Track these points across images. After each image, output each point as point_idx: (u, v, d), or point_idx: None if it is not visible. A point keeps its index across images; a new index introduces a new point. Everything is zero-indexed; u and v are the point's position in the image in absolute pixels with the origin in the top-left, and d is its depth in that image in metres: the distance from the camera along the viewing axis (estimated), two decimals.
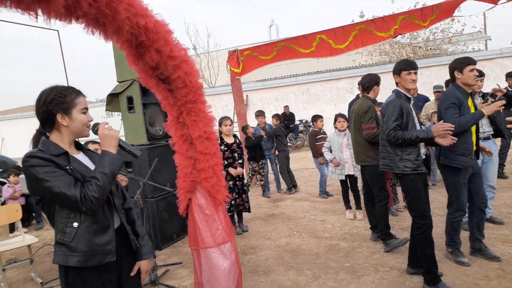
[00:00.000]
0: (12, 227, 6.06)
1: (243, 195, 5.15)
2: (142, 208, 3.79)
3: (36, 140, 1.75)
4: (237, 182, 5.09)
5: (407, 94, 3.26)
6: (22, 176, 5.20)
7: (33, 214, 6.60)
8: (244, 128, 6.84)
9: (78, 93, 1.78)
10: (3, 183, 6.97)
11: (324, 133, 6.56)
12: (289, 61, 21.04)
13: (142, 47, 2.21)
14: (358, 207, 5.25)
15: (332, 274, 3.56)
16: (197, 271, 2.98)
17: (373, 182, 4.17)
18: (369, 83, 4.24)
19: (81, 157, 1.80)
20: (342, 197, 5.44)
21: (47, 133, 1.76)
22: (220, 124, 5.07)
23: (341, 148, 5.33)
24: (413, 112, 3.24)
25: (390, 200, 5.10)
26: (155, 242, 4.56)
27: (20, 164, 7.57)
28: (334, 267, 3.71)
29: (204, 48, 24.03)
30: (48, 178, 1.57)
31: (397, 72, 3.27)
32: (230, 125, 5.12)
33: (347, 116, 5.58)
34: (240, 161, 5.18)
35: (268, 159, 7.21)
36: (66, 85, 1.79)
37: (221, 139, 5.01)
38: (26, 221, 6.49)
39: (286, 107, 13.69)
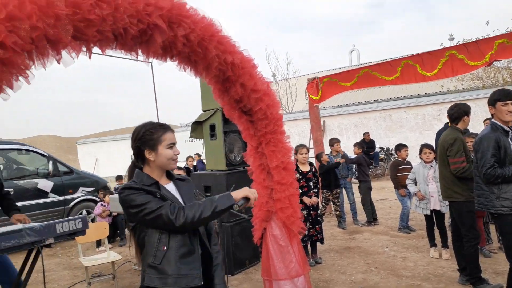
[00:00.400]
0: (98, 243, 6.61)
1: (317, 225, 5.05)
2: (218, 232, 3.90)
3: (130, 171, 1.93)
4: (311, 212, 5.01)
5: (504, 127, 2.99)
6: (112, 196, 5.69)
7: (118, 231, 7.13)
8: (318, 156, 6.74)
9: (165, 129, 1.88)
10: (95, 201, 7.70)
11: (408, 163, 6.21)
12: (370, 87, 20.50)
13: (228, 81, 2.34)
14: (445, 245, 4.84)
15: None
16: None
17: (461, 220, 3.82)
18: (458, 113, 3.95)
19: (170, 186, 1.92)
20: (427, 233, 5.06)
21: (141, 166, 1.92)
22: (296, 152, 5.07)
23: (427, 181, 5.00)
24: (511, 146, 2.96)
25: (482, 240, 4.62)
26: (228, 266, 4.64)
27: (110, 183, 8.33)
28: None
29: (283, 75, 24.53)
30: (140, 203, 1.71)
31: (492, 103, 3.04)
32: (306, 153, 5.10)
33: (434, 146, 5.24)
34: (315, 190, 5.11)
35: (344, 188, 7.00)
36: (156, 122, 1.92)
37: (297, 167, 5.00)
38: (111, 238, 7.02)
39: (367, 133, 13.29)
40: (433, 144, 5.43)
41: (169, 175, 1.99)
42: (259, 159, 2.79)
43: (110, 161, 23.35)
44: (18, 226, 2.79)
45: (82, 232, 3.12)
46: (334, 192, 6.56)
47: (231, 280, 4.53)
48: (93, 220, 6.84)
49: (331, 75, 7.84)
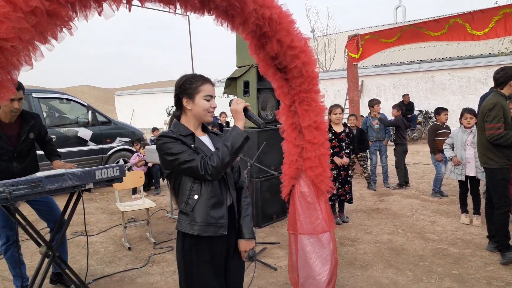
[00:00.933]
0: (134, 191, 6.96)
1: (346, 186, 5.08)
2: (248, 186, 4.01)
3: (170, 121, 2.01)
4: (341, 172, 5.03)
5: None
6: (148, 147, 5.89)
7: (153, 181, 7.45)
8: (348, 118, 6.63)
9: (204, 80, 1.92)
10: (131, 151, 8.02)
11: (446, 127, 6.01)
12: (413, 46, 19.60)
13: (265, 37, 2.31)
14: (477, 212, 4.77)
15: (436, 279, 3.34)
16: (293, 255, 3.09)
17: (493, 187, 3.75)
18: (504, 77, 3.71)
19: (205, 138, 1.98)
20: (459, 199, 5.00)
21: (179, 115, 1.98)
22: (330, 112, 5.02)
23: (465, 146, 4.85)
24: None
25: None
26: (256, 220, 4.80)
27: (145, 135, 8.60)
28: (440, 272, 3.47)
29: (322, 31, 23.67)
30: (175, 152, 1.79)
31: None
32: (341, 114, 5.03)
33: (476, 111, 5.02)
34: (347, 151, 5.08)
35: (378, 151, 6.91)
36: (198, 74, 1.96)
37: (330, 127, 4.97)
38: (146, 187, 7.36)
39: (406, 95, 12.79)
40: (476, 109, 5.19)
41: (204, 129, 2.04)
42: (292, 117, 2.78)
43: (146, 113, 23.98)
44: (61, 170, 2.97)
45: (119, 179, 3.27)
46: (358, 156, 6.50)
47: (258, 232, 4.71)
48: (129, 169, 7.17)
49: (372, 32, 7.51)
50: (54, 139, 3.57)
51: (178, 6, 1.96)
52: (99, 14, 1.68)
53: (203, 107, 1.90)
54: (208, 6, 1.99)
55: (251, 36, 2.34)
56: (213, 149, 1.94)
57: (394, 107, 6.97)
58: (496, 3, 13.61)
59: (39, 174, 2.93)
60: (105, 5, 1.67)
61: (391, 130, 6.94)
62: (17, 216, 2.84)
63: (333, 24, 41.94)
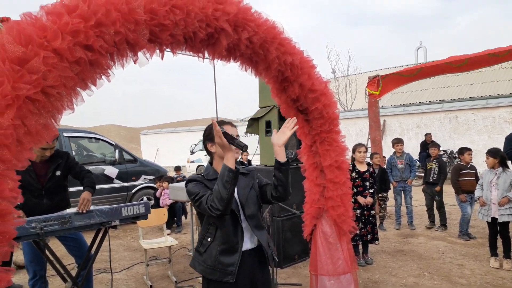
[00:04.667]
0: (167, 224, 7.01)
1: (369, 226, 4.99)
2: (269, 225, 4.02)
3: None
4: (365, 212, 4.97)
5: None
6: (172, 185, 6.02)
7: (175, 218, 7.51)
8: (371, 156, 6.59)
9: (222, 123, 2.03)
10: (155, 188, 8.17)
11: (471, 167, 5.91)
12: (435, 86, 19.53)
13: (287, 81, 2.43)
14: (507, 255, 4.58)
15: None
16: None
17: None
18: None
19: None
20: (489, 242, 4.83)
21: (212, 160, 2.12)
22: (353, 151, 5.05)
23: (490, 187, 4.75)
24: None
25: None
26: (272, 263, 4.74)
27: (169, 173, 8.78)
28: None
29: (343, 72, 24.02)
30: (193, 192, 1.91)
31: None
32: (365, 152, 5.05)
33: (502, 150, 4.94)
34: (371, 190, 5.05)
35: (403, 191, 6.80)
36: (218, 120, 2.09)
37: (353, 166, 4.98)
38: (168, 224, 7.40)
39: (428, 134, 12.68)
40: (502, 149, 5.12)
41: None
42: (313, 157, 2.84)
43: (170, 152, 24.47)
44: (91, 207, 3.09)
45: (144, 216, 3.37)
46: (379, 196, 6.41)
47: (280, 273, 4.64)
48: (152, 207, 7.29)
49: (393, 72, 7.62)
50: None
51: (206, 54, 2.11)
52: (134, 62, 1.83)
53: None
54: (234, 54, 2.13)
55: (273, 80, 2.46)
56: (236, 194, 2.01)
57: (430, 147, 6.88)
58: None
59: (69, 210, 3.06)
60: (140, 53, 1.83)
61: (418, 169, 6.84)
62: (46, 252, 2.94)
63: (354, 65, 42.48)
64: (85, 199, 3.05)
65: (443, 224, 6.53)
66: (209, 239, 1.92)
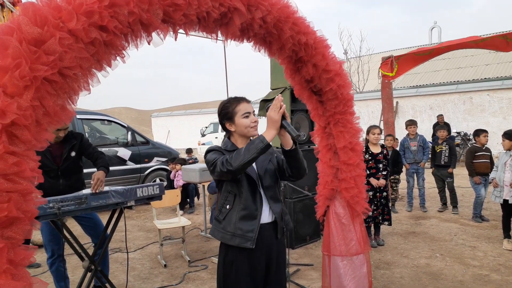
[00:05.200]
0: (181, 206, 7.12)
1: (381, 208, 4.99)
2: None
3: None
4: (377, 194, 4.97)
5: None
6: (185, 166, 6.08)
7: (188, 199, 7.60)
8: (385, 138, 6.53)
9: (238, 101, 2.04)
10: (167, 170, 8.26)
11: (486, 149, 5.83)
12: (450, 67, 19.14)
13: (301, 62, 2.39)
14: None
15: None
16: (327, 276, 3.07)
17: None
18: None
19: None
20: (502, 223, 4.80)
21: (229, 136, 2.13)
22: (368, 132, 5.01)
23: (504, 168, 4.69)
24: None
25: None
26: (289, 241, 4.79)
27: (180, 155, 8.84)
28: None
29: (355, 53, 23.58)
30: (211, 159, 1.94)
31: None
32: (379, 134, 5.01)
33: None
34: (385, 172, 5.02)
35: (415, 173, 6.75)
36: (232, 96, 2.10)
37: (367, 148, 4.95)
38: (181, 205, 7.51)
39: (440, 116, 12.46)
40: None
41: None
42: (326, 139, 2.82)
43: (181, 134, 24.61)
44: (105, 188, 3.14)
45: (159, 197, 3.41)
46: (391, 178, 6.37)
47: (291, 253, 4.69)
48: (165, 188, 7.40)
49: (407, 53, 7.47)
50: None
51: (219, 34, 2.09)
52: (148, 43, 1.82)
53: (244, 125, 2.01)
54: (248, 34, 2.10)
55: (287, 61, 2.43)
56: (254, 165, 2.01)
57: (439, 129, 6.78)
58: None
59: (85, 191, 3.11)
60: (154, 34, 1.81)
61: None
62: (64, 231, 3.01)
63: (366, 46, 41.71)
64: (98, 178, 3.08)
65: (455, 206, 6.49)
66: (228, 207, 1.95)
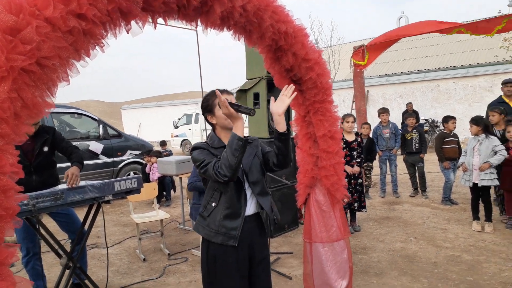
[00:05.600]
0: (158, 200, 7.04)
1: (356, 194, 5.11)
2: None
3: (209, 134, 2.15)
4: (352, 181, 5.07)
5: None
6: (161, 159, 5.99)
7: (164, 193, 7.50)
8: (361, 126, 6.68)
9: (215, 93, 2.00)
10: (141, 164, 8.12)
11: (454, 135, 6.06)
12: (417, 56, 19.66)
13: (281, 51, 2.39)
14: (488, 219, 4.78)
15: (452, 286, 3.36)
16: (309, 263, 3.12)
17: None
18: None
19: None
20: (471, 206, 5.02)
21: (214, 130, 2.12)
22: (342, 121, 5.09)
23: (473, 153, 4.89)
24: None
25: None
26: (268, 230, 4.83)
27: (154, 148, 8.70)
28: (454, 279, 3.49)
29: (326, 43, 23.76)
30: (199, 159, 1.93)
31: None
32: (353, 122, 5.11)
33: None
34: (358, 160, 5.13)
35: (388, 160, 6.93)
36: (212, 90, 2.05)
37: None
38: (158, 198, 7.42)
39: (409, 104, 12.80)
40: (485, 116, 5.27)
41: None
42: (306, 127, 2.85)
43: (153, 127, 24.18)
44: (82, 183, 3.06)
45: (137, 190, 3.35)
46: (365, 165, 6.53)
47: (271, 242, 4.73)
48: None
49: (377, 42, 7.58)
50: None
51: (199, 23, 2.05)
52: (127, 32, 1.77)
53: (223, 117, 1.98)
54: (228, 22, 2.07)
55: (267, 49, 2.42)
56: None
57: (409, 117, 6.98)
58: (499, 12, 13.72)
59: (60, 186, 3.01)
60: (133, 23, 1.76)
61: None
62: (40, 229, 2.91)
63: (337, 36, 42.03)
64: (73, 173, 2.99)
65: (424, 190, 6.73)
66: (213, 204, 1.95)
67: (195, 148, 2.00)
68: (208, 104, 2.05)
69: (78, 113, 7.89)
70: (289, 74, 2.57)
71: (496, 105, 5.63)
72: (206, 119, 2.09)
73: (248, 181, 2.04)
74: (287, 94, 2.04)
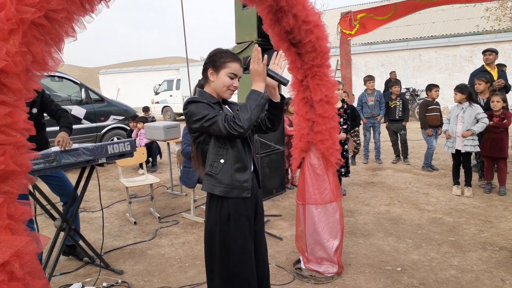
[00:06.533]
0: (141, 166, 7.00)
1: (343, 160, 5.21)
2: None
3: (194, 90, 2.06)
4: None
5: None
6: (148, 124, 5.93)
7: (150, 158, 7.45)
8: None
9: (234, 58, 1.96)
10: (125, 129, 8.01)
11: (437, 103, 6.20)
12: (399, 24, 19.63)
13: (281, 12, 2.36)
14: (468, 184, 4.99)
15: (435, 245, 3.55)
16: (301, 224, 3.23)
17: None
18: None
19: (226, 108, 2.05)
20: (452, 172, 5.22)
21: (203, 85, 2.04)
22: None
23: (456, 120, 5.04)
24: None
25: None
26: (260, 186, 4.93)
27: (138, 113, 8.56)
28: (437, 239, 3.68)
29: None
30: (203, 112, 1.84)
31: None
32: (340, 89, 5.14)
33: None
34: (345, 126, 5.21)
35: (372, 127, 7.05)
36: (230, 50, 2.00)
37: None
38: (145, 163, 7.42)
39: (393, 72, 12.89)
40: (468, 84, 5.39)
41: (224, 102, 2.10)
42: (303, 92, 2.86)
43: (132, 92, 23.65)
44: (75, 145, 3.01)
45: (130, 154, 3.33)
46: (352, 132, 6.64)
47: None
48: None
49: (366, 9, 7.52)
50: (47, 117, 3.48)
51: None
52: None
53: (224, 83, 1.94)
54: None
55: (267, 10, 2.38)
56: None
57: (394, 85, 7.06)
58: None
59: (53, 149, 2.96)
60: None
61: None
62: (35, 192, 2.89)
63: (321, 2, 41.22)
64: (63, 137, 2.93)
65: (405, 157, 6.94)
66: (221, 161, 1.91)
67: (191, 101, 1.90)
68: (219, 61, 1.94)
69: (59, 76, 7.61)
70: (288, 37, 2.55)
71: (480, 73, 5.75)
72: (205, 70, 2.00)
73: (249, 136, 2.05)
74: (279, 64, 2.00)
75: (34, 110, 3.23)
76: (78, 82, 7.73)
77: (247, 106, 1.80)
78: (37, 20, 1.25)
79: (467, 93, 4.95)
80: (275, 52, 2.05)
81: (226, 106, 2.08)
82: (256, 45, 1.91)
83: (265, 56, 1.85)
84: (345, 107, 5.23)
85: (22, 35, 1.22)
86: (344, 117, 5.21)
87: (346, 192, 5.29)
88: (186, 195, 5.53)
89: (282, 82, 1.92)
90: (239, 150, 1.93)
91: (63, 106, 7.11)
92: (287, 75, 2.26)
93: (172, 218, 4.60)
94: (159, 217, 4.59)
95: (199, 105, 1.88)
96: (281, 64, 2.02)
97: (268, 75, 1.90)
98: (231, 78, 1.95)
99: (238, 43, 5.15)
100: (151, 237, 4.01)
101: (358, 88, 10.78)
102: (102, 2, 1.58)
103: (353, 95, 8.46)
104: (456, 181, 5.12)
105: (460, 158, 5.03)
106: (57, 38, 1.37)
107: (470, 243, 3.56)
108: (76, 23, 1.47)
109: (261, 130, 2.18)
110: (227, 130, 1.77)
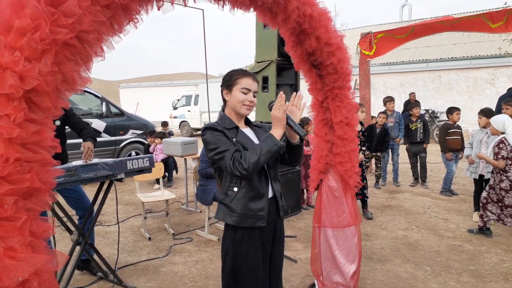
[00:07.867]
0: (157, 181, 7.05)
1: (364, 181, 5.14)
2: None
3: (219, 114, 2.07)
4: None
5: None
6: (166, 140, 5.99)
7: (166, 173, 7.50)
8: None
9: (244, 74, 1.97)
10: (143, 143, 8.11)
11: (458, 127, 6.09)
12: (419, 45, 19.56)
13: (304, 34, 2.37)
14: None
15: (454, 274, 3.43)
16: (317, 247, 3.16)
17: None
18: None
19: (247, 131, 2.05)
20: (473, 197, 5.09)
21: (224, 109, 2.06)
22: None
23: (480, 145, 4.93)
24: None
25: None
26: (282, 211, 4.87)
27: (156, 128, 8.67)
28: (457, 268, 3.56)
29: None
30: (215, 143, 1.85)
31: None
32: (362, 112, 5.12)
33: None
34: (364, 148, 5.16)
35: (390, 149, 6.96)
36: (241, 68, 2.03)
37: None
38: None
39: (412, 93, 12.78)
40: (494, 109, 5.29)
41: (248, 122, 2.11)
42: (323, 113, 2.84)
43: (151, 107, 24.03)
44: (95, 160, 3.05)
45: (148, 170, 3.35)
46: (376, 155, 6.59)
47: None
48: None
49: (385, 30, 7.54)
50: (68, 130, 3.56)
51: (226, 3, 2.02)
52: (158, 9, 1.75)
53: (238, 99, 1.94)
54: (255, 3, 2.04)
55: (289, 32, 2.39)
56: (256, 141, 2.00)
57: (414, 106, 7.00)
58: (505, 4, 13.61)
59: (74, 163, 3.00)
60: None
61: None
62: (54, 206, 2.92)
63: (340, 21, 41.34)
64: (89, 148, 3.01)
65: (424, 180, 6.80)
66: (235, 189, 1.90)
67: (208, 128, 1.92)
68: (230, 80, 1.97)
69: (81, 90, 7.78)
70: (310, 58, 2.55)
71: (509, 97, 5.64)
72: (221, 91, 2.02)
73: (268, 163, 2.03)
74: (297, 105, 1.97)
75: (57, 123, 3.30)
76: (100, 96, 7.89)
77: (257, 149, 1.79)
78: (69, 41, 1.28)
79: (492, 117, 4.84)
80: (294, 93, 2.04)
81: (248, 129, 2.07)
82: (282, 92, 1.92)
83: (287, 103, 1.87)
84: (362, 129, 5.18)
85: (54, 55, 1.25)
86: (362, 139, 5.15)
87: (372, 216, 5.15)
88: (200, 211, 5.51)
89: (298, 133, 1.94)
90: (253, 178, 1.91)
91: (84, 119, 7.36)
92: (306, 96, 2.25)
93: (186, 235, 4.58)
94: (173, 233, 4.58)
95: (214, 134, 1.89)
96: (300, 105, 2.00)
97: (287, 123, 1.91)
98: (245, 94, 1.95)
99: (258, 62, 5.19)
100: (165, 254, 4.00)
101: (376, 108, 10.67)
102: (130, 23, 1.62)
103: (374, 117, 8.38)
104: (477, 208, 4.98)
105: (482, 183, 4.90)
106: (87, 57, 1.40)
107: (491, 273, 3.43)
108: (105, 43, 1.50)
109: (282, 161, 2.17)
110: (231, 169, 1.77)
